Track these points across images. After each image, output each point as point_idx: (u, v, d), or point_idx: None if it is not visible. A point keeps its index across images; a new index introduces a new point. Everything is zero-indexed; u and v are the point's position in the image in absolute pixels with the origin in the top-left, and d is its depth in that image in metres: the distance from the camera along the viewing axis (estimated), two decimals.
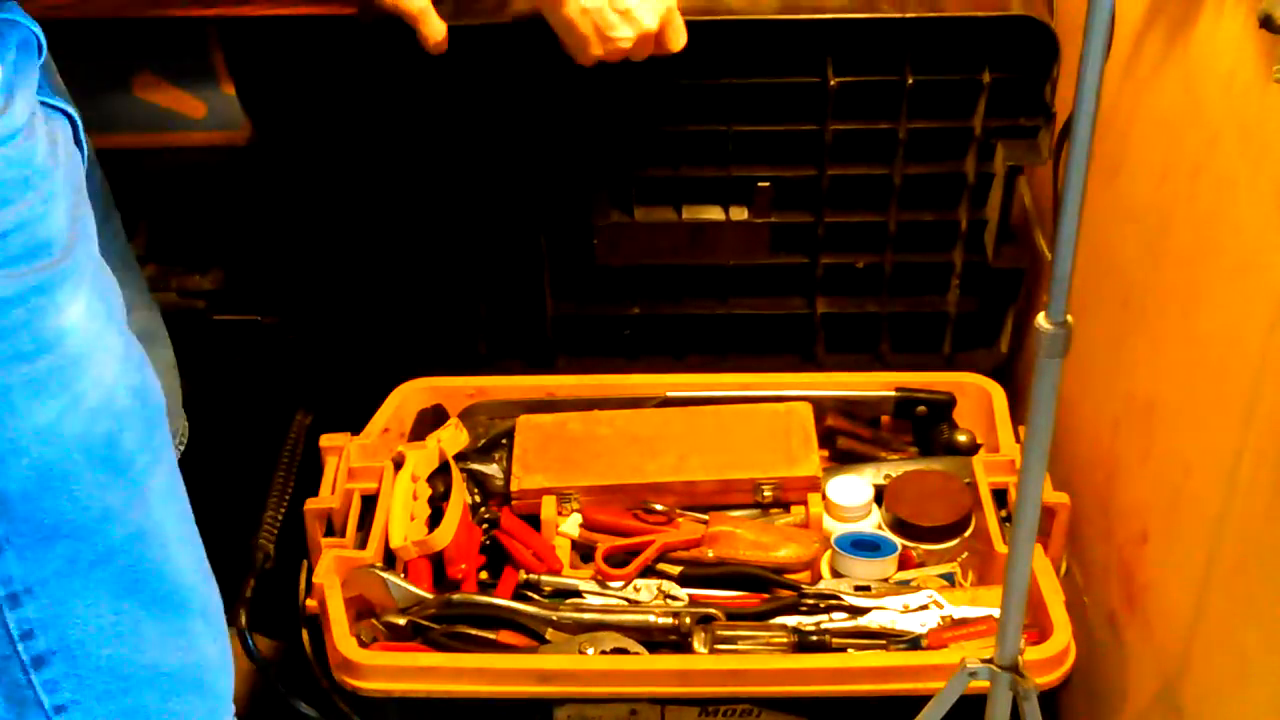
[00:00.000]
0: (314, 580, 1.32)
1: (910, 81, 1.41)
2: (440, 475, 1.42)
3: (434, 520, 1.38)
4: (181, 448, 1.33)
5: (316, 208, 1.50)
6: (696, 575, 1.36)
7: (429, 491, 1.40)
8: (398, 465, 1.42)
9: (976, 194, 1.49)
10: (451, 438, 1.46)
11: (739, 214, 1.50)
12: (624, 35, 1.24)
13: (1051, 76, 1.40)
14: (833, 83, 1.41)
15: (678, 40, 1.29)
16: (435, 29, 1.25)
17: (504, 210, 1.51)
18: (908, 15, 1.36)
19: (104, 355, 0.84)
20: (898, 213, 1.49)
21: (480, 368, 1.57)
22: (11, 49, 0.79)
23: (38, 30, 0.82)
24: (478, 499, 1.44)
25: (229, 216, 1.58)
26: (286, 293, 1.58)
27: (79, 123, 0.87)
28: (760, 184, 1.48)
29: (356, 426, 1.47)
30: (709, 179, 1.49)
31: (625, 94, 1.42)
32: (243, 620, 1.37)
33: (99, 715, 0.89)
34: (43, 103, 0.83)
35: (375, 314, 1.57)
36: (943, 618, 1.29)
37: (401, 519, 1.36)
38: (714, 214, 1.51)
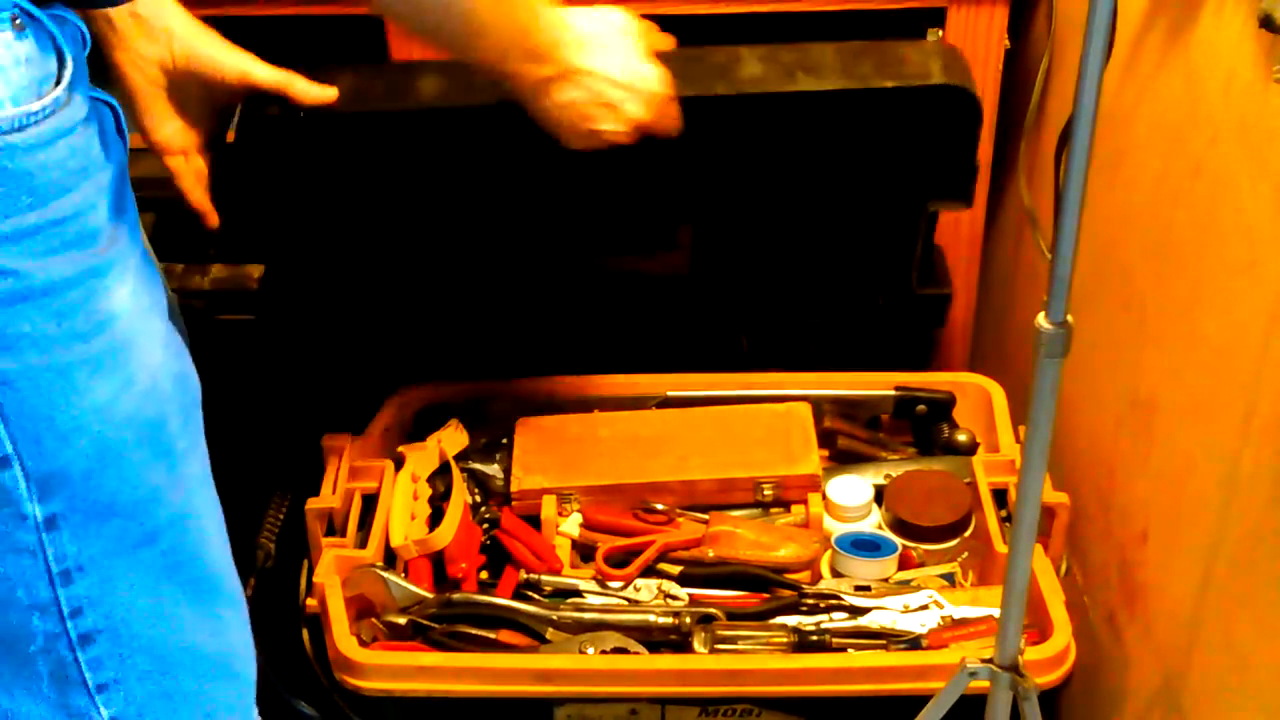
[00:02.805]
0: (314, 580, 1.32)
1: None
2: (440, 475, 1.42)
3: (434, 520, 1.38)
4: None
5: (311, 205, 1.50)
6: (697, 575, 1.36)
7: (429, 491, 1.40)
8: (398, 465, 1.42)
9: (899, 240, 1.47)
10: (451, 438, 1.46)
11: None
12: (610, 129, 1.17)
13: (977, 140, 1.35)
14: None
15: (672, 128, 1.21)
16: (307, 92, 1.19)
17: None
18: (826, 88, 1.29)
19: (149, 340, 0.86)
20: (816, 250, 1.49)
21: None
22: (69, 43, 0.81)
23: (83, 26, 0.84)
24: (478, 499, 1.44)
25: (228, 216, 1.58)
26: (286, 292, 1.58)
27: (121, 114, 0.89)
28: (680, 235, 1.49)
29: (357, 426, 1.47)
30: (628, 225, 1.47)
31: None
32: None
33: (139, 696, 0.90)
34: (88, 95, 0.85)
35: (370, 319, 1.57)
36: (943, 618, 1.29)
37: (402, 518, 1.36)
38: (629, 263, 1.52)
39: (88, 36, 0.85)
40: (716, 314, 1.57)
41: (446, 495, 1.39)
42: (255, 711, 1.00)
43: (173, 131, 1.18)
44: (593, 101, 1.16)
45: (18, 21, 0.77)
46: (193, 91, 1.17)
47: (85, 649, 0.87)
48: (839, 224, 1.46)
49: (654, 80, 1.19)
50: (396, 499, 1.38)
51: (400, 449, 1.43)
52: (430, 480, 1.41)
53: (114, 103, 0.88)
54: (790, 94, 1.30)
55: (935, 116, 1.33)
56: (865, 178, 1.40)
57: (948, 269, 1.58)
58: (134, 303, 0.85)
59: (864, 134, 1.35)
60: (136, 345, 0.85)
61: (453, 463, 1.43)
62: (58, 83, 0.79)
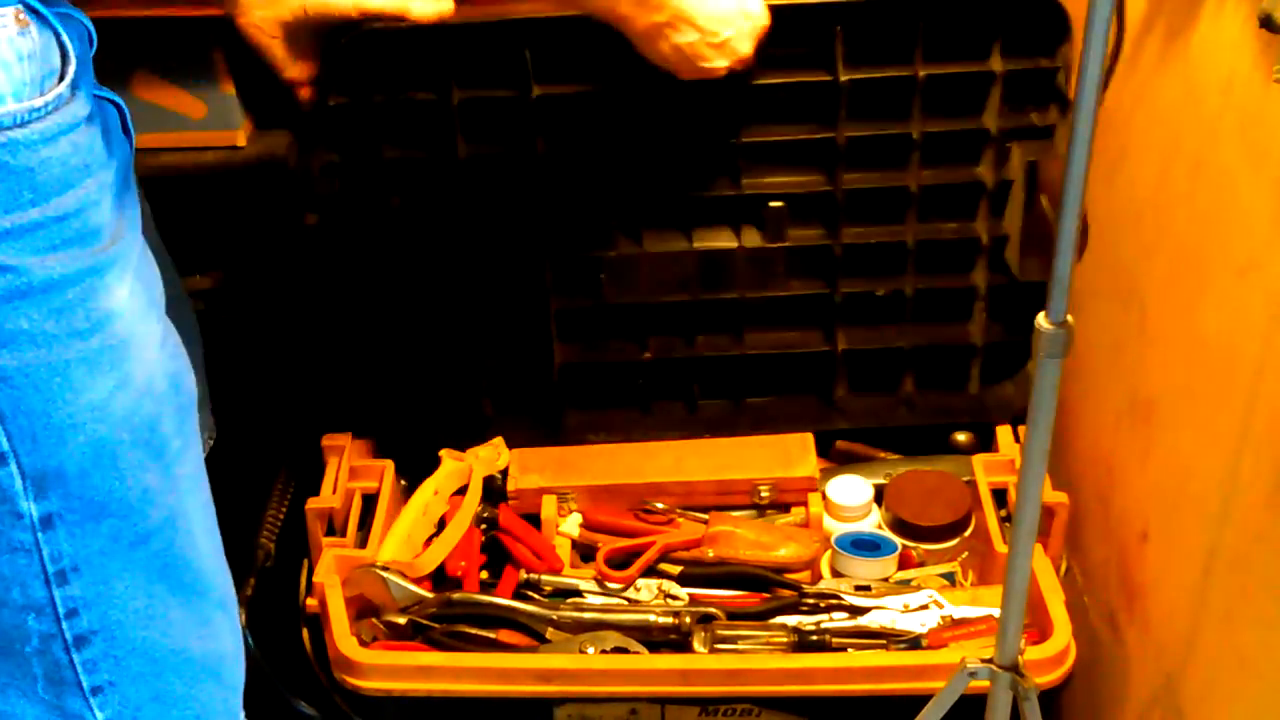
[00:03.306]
0: (314, 579, 1.32)
1: (921, 75, 1.34)
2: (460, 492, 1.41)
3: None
4: (211, 443, 1.33)
5: (323, 209, 1.47)
6: (697, 575, 1.36)
7: (443, 509, 1.39)
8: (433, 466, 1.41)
9: (995, 202, 1.40)
10: (488, 458, 1.44)
11: (751, 238, 1.41)
12: (719, 66, 1.24)
13: (1065, 61, 1.34)
14: (843, 78, 1.34)
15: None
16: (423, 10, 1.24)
17: (506, 249, 1.40)
18: None
19: (146, 339, 0.86)
20: (916, 226, 1.40)
21: (485, 431, 1.47)
22: (75, 41, 0.82)
23: (89, 24, 0.84)
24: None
25: (229, 217, 1.58)
26: (287, 293, 1.57)
27: (126, 112, 0.89)
28: (772, 203, 1.39)
29: (358, 426, 1.47)
30: (718, 201, 1.40)
31: (628, 113, 1.36)
32: (243, 620, 1.37)
33: (132, 698, 0.90)
34: (93, 94, 0.85)
35: (376, 358, 1.48)
36: (943, 617, 1.29)
37: (397, 537, 1.35)
38: (725, 239, 1.41)
39: (94, 34, 0.85)
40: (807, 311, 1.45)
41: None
42: (242, 715, 1.00)
43: (298, 70, 1.31)
44: (704, 42, 1.21)
45: (21, 17, 0.77)
46: (310, 32, 1.29)
47: (80, 650, 0.87)
48: (928, 192, 1.39)
49: (758, 13, 1.25)
50: (407, 513, 1.37)
51: (441, 452, 1.42)
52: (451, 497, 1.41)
53: (119, 101, 0.88)
54: (878, 1, 1.32)
55: (1021, 31, 1.33)
56: (952, 111, 1.36)
57: (1045, 258, 1.43)
58: (132, 301, 0.85)
59: (949, 51, 1.34)
60: (134, 344, 0.85)
61: (474, 484, 1.41)
62: (61, 79, 0.80)
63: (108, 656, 0.88)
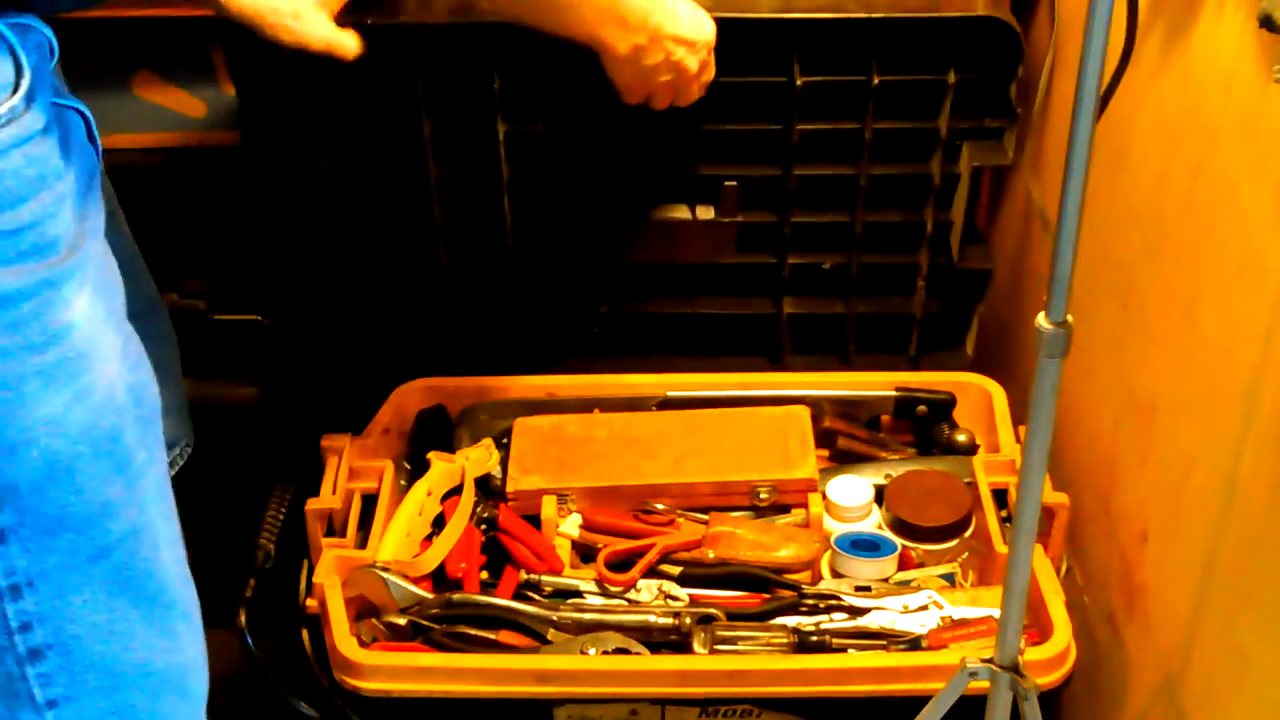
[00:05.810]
0: (314, 580, 1.32)
1: (876, 82, 1.40)
2: (455, 493, 1.41)
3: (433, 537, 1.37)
4: (188, 452, 1.33)
5: (311, 207, 1.48)
6: (697, 575, 1.36)
7: (438, 510, 1.39)
8: (424, 469, 1.40)
9: (942, 195, 1.49)
10: (479, 459, 1.45)
11: (705, 213, 1.50)
12: (687, 92, 1.27)
13: (1016, 77, 1.42)
14: (799, 82, 1.40)
15: (710, 76, 1.31)
16: (349, 49, 1.15)
17: (472, 211, 1.49)
18: (874, 15, 1.37)
19: (106, 351, 0.85)
20: (864, 214, 1.49)
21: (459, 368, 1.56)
22: (31, 52, 0.80)
23: (50, 35, 0.83)
24: (476, 499, 1.43)
25: (228, 215, 1.58)
26: (285, 293, 1.57)
27: (92, 120, 0.89)
28: (727, 183, 1.47)
29: (357, 427, 1.47)
30: (676, 178, 1.49)
31: (597, 96, 1.39)
32: (242, 620, 1.37)
33: (89, 712, 0.89)
34: (53, 103, 0.84)
35: (370, 314, 1.56)
36: (943, 618, 1.29)
37: (396, 536, 1.35)
38: (680, 213, 1.51)
39: (54, 45, 0.84)
40: (759, 288, 1.57)
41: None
42: None
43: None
44: (669, 65, 1.23)
45: None
46: None
47: (34, 664, 0.86)
48: (877, 181, 1.47)
49: (712, 32, 1.26)
50: (402, 513, 1.37)
51: (430, 454, 1.42)
52: (444, 498, 1.40)
53: (84, 110, 0.87)
54: (835, 20, 1.37)
55: (975, 49, 1.39)
56: (904, 114, 1.43)
57: (985, 246, 1.57)
58: (92, 312, 0.83)
59: (903, 65, 1.40)
60: (94, 356, 0.83)
61: (469, 485, 1.41)
62: (14, 92, 0.78)
63: (63, 670, 0.87)
